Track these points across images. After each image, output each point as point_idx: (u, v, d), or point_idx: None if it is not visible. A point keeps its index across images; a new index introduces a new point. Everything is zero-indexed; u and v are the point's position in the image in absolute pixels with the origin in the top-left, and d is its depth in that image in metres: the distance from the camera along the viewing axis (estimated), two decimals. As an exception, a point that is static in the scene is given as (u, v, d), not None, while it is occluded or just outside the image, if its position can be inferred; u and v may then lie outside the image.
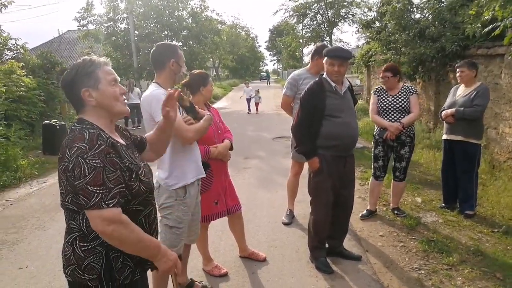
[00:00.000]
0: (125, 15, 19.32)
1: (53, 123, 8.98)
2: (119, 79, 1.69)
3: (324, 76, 3.40)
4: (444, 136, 4.63)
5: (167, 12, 19.72)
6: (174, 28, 19.84)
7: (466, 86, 4.43)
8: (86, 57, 1.64)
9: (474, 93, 4.30)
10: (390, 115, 4.35)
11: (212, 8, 28.77)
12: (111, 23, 19.44)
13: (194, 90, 3.20)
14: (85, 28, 19.35)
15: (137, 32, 19.08)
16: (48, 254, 3.95)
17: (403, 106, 4.31)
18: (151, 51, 2.67)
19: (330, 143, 3.34)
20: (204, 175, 2.88)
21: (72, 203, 1.54)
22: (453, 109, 4.37)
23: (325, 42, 23.14)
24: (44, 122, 9.11)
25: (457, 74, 4.48)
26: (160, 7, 19.36)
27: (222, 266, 3.49)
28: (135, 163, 1.65)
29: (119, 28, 19.79)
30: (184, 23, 20.41)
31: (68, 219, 1.61)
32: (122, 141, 1.70)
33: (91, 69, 1.59)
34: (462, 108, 4.31)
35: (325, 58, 3.34)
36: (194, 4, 20.90)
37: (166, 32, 20.02)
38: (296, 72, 4.46)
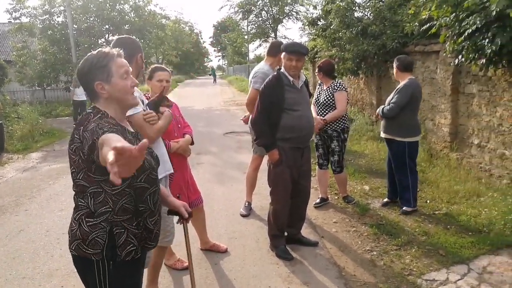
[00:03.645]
0: (62, 8, 18.28)
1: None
2: (131, 70, 1.75)
3: (282, 70, 3.52)
4: (381, 134, 4.61)
5: (107, 5, 18.93)
6: (116, 22, 19.09)
7: (400, 82, 4.36)
8: (101, 49, 1.70)
9: (397, 90, 4.27)
10: (318, 108, 4.59)
11: (155, 2, 28.05)
12: (47, 16, 18.30)
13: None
14: (17, 21, 18.11)
15: (75, 26, 18.15)
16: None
17: (326, 101, 4.51)
18: (114, 43, 2.56)
19: (289, 135, 3.47)
20: (172, 171, 2.85)
21: (83, 179, 1.64)
22: (379, 108, 4.39)
23: (270, 39, 23.42)
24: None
25: None
26: (100, 0, 18.55)
27: (184, 260, 3.51)
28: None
29: (56, 22, 18.67)
30: (126, 17, 19.72)
31: (77, 197, 1.70)
32: (131, 129, 1.81)
33: (104, 62, 1.66)
34: (382, 107, 4.35)
35: (283, 53, 3.45)
36: (137, -3, 20.26)
37: (107, 26, 19.23)
38: (265, 68, 4.37)
